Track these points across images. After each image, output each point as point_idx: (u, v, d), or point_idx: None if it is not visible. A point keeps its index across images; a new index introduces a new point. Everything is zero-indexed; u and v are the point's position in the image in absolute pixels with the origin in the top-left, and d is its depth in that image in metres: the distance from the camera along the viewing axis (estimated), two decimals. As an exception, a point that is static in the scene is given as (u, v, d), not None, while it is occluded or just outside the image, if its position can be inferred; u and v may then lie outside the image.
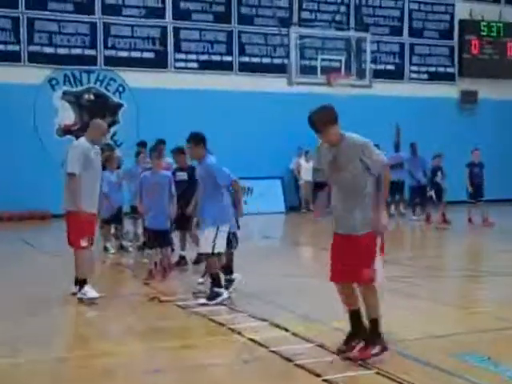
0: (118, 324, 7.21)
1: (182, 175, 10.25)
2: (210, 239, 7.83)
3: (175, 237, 10.30)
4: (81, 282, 8.01)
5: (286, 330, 6.58)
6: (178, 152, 10.26)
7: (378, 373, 5.27)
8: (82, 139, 8.23)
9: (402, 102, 21.42)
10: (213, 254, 7.88)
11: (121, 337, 6.69)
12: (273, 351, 5.89)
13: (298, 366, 5.48)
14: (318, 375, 5.22)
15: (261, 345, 6.10)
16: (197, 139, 8.03)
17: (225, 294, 7.86)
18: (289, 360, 5.63)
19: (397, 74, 22.48)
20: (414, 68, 22.94)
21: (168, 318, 7.28)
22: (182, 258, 10.41)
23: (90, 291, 7.96)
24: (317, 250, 13.31)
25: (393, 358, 5.59)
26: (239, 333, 6.50)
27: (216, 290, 7.86)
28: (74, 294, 8.08)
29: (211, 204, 7.90)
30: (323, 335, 6.34)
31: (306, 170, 20.40)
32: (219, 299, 7.77)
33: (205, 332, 6.71)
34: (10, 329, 6.87)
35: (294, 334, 6.43)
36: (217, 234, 7.84)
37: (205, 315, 7.25)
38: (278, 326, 6.73)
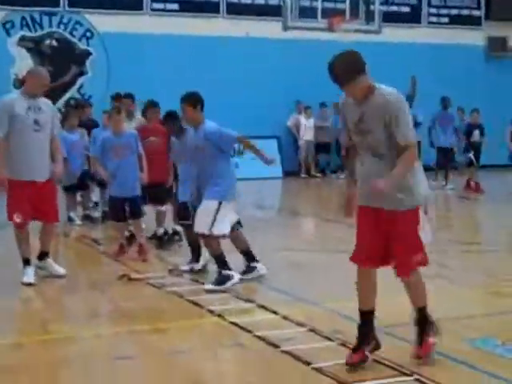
0: (83, 305, 7.33)
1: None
2: (209, 215, 7.64)
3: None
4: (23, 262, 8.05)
5: (275, 312, 6.69)
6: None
7: (375, 360, 5.38)
8: (14, 93, 8.26)
9: (417, 50, 21.36)
10: (209, 236, 7.70)
11: (85, 319, 6.80)
12: (258, 336, 6.00)
13: (285, 352, 5.60)
14: (308, 363, 5.34)
15: (244, 329, 6.21)
16: (193, 100, 7.83)
17: (235, 277, 7.71)
18: (275, 346, 5.75)
19: (412, 18, 22.39)
20: (433, 10, 22.84)
21: (139, 299, 7.40)
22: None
23: (27, 274, 7.92)
24: (318, 220, 13.44)
25: (393, 343, 5.71)
26: (220, 315, 6.61)
27: (224, 273, 7.71)
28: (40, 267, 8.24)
29: (213, 177, 7.74)
30: (316, 318, 6.46)
31: (306, 128, 20.45)
32: (229, 283, 7.63)
33: (180, 314, 6.83)
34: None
35: (284, 317, 6.54)
36: (218, 210, 7.65)
37: (181, 295, 7.37)
38: (265, 308, 6.85)
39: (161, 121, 9.89)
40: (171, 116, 8.98)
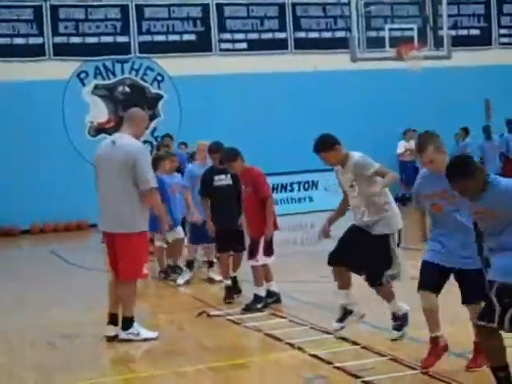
0: (162, 344, 7.36)
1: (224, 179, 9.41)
2: None
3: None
4: (128, 320, 7.41)
5: (355, 343, 6.63)
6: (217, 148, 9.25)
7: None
8: (132, 138, 7.25)
9: (489, 73, 21.05)
10: None
11: (165, 358, 6.86)
12: (338, 367, 5.96)
13: (365, 382, 5.54)
14: (389, 392, 5.28)
15: (324, 361, 6.18)
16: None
17: None
18: (356, 377, 5.70)
19: (482, 40, 22.14)
20: (504, 31, 22.56)
21: (218, 335, 7.43)
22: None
23: (143, 330, 7.44)
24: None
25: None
26: (299, 348, 6.60)
27: None
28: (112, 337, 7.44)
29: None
30: (398, 347, 6.38)
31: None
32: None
33: (260, 349, 6.86)
34: (41, 356, 7.13)
35: (364, 348, 6.49)
36: None
37: (260, 330, 7.38)
38: (344, 339, 6.79)
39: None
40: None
